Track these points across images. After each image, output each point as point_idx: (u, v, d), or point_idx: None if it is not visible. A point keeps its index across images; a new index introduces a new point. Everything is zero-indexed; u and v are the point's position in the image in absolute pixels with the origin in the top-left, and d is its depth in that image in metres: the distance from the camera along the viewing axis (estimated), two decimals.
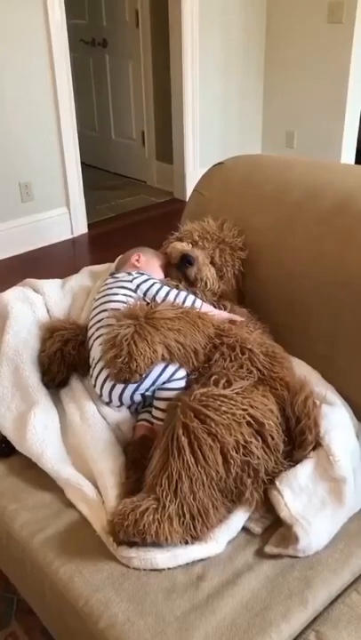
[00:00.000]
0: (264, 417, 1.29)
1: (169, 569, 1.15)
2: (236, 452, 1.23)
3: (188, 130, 4.34)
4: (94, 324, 1.50)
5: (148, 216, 4.27)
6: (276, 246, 1.66)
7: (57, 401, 1.50)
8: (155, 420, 1.43)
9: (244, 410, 1.28)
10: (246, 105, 4.65)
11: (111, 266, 1.83)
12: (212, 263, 1.68)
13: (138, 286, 1.53)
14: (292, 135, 4.56)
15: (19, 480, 1.37)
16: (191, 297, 1.54)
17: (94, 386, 1.45)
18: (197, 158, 4.45)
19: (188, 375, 1.44)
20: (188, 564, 1.16)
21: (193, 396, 1.29)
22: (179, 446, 1.22)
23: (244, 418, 1.27)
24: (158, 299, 1.51)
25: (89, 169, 4.82)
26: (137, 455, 1.35)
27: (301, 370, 1.53)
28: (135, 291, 1.53)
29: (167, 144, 4.55)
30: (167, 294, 1.52)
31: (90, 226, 4.04)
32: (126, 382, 1.34)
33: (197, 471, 1.20)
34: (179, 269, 1.64)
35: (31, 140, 3.57)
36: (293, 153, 4.55)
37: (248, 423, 1.27)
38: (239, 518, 1.24)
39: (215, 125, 4.51)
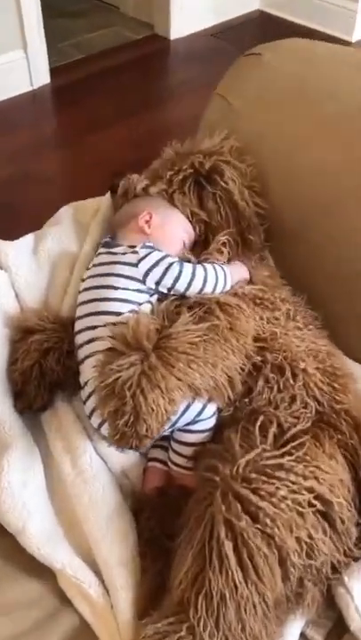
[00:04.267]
0: (333, 493, 0.94)
1: None
2: (299, 556, 0.89)
3: None
4: (84, 330, 1.06)
5: (125, 59, 3.47)
6: (342, 202, 1.17)
7: (38, 432, 1.10)
8: (173, 467, 1.06)
9: (308, 490, 0.92)
10: None
11: (102, 202, 1.31)
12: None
13: (147, 273, 1.06)
14: None
15: None
16: (224, 271, 1.09)
17: (89, 417, 1.05)
18: None
19: (219, 411, 1.04)
20: None
21: (236, 467, 0.92)
22: (220, 554, 0.87)
23: (309, 504, 0.91)
24: (180, 288, 1.06)
25: None
26: (154, 529, 1.00)
27: None
28: (144, 281, 1.06)
29: None
30: (193, 278, 1.06)
31: (53, 72, 3.25)
32: (133, 449, 0.94)
33: (247, 591, 0.86)
34: None
35: None
36: None
37: (315, 511, 0.91)
38: (295, 630, 0.93)
39: None
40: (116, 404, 0.92)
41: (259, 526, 0.87)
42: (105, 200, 1.31)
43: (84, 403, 1.05)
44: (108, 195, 1.30)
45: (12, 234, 2.25)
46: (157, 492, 1.05)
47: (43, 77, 3.20)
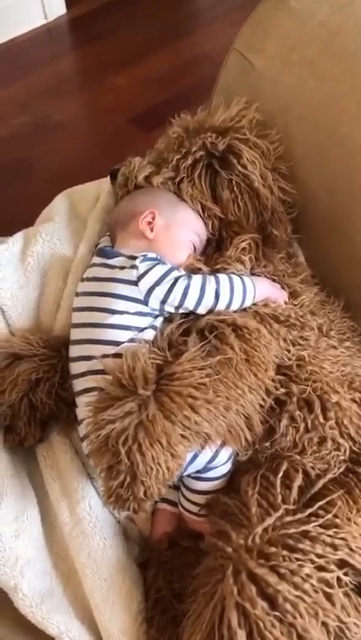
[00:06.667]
0: None
1: None
2: None
3: None
4: (79, 360, 0.90)
5: None
6: None
7: (32, 464, 0.98)
8: (185, 512, 0.93)
9: (338, 565, 0.77)
10: None
11: (103, 188, 1.13)
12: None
13: (149, 292, 0.88)
14: None
15: None
16: (243, 282, 0.91)
17: (88, 456, 0.91)
18: None
19: (236, 455, 0.90)
20: None
21: (252, 537, 0.77)
22: None
23: (338, 582, 0.76)
24: (189, 306, 0.89)
25: None
26: (161, 589, 0.88)
27: None
28: (146, 302, 0.89)
29: None
30: (202, 295, 0.88)
31: (69, 1, 2.94)
32: (131, 512, 0.81)
33: None
34: None
35: None
36: None
37: (346, 592, 0.77)
38: None
39: None
40: (110, 460, 0.78)
41: (277, 613, 0.74)
42: (106, 185, 1.12)
43: (82, 440, 0.92)
44: (109, 179, 1.11)
45: (27, 193, 2.09)
46: (167, 538, 0.93)
47: (57, 9, 2.90)
